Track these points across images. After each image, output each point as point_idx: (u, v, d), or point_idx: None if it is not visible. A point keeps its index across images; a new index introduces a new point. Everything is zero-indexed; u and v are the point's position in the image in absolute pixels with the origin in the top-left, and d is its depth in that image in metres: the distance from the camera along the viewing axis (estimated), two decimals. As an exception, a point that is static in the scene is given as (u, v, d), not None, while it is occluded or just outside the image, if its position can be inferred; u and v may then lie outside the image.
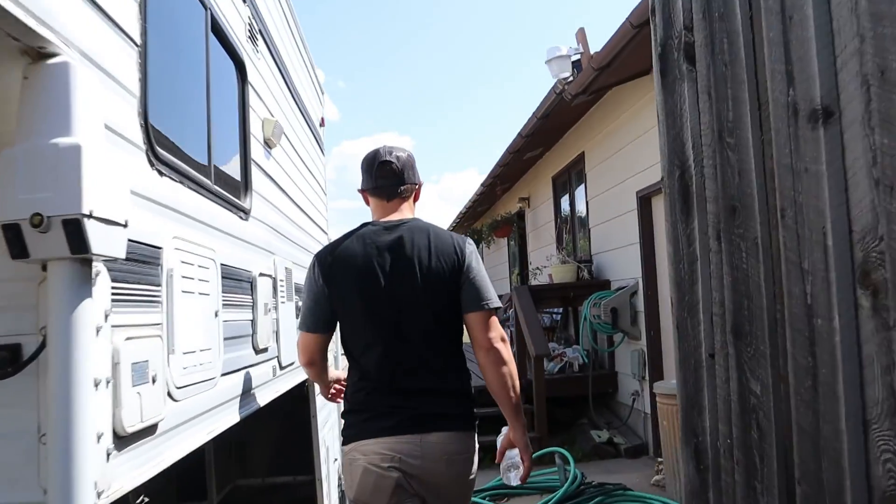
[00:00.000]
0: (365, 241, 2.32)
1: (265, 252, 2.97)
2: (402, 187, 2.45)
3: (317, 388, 3.24)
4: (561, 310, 9.54)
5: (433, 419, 2.25)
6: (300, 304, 3.13)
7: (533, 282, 8.84)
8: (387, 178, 2.43)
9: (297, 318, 3.08)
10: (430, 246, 2.31)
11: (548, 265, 9.06)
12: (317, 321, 2.36)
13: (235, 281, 2.45)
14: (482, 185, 11.82)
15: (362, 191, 2.51)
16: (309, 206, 4.62)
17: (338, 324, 2.39)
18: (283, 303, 3.14)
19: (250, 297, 2.66)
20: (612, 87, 6.67)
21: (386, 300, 2.27)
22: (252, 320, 2.66)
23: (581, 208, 9.17)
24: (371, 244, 2.31)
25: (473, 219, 17.15)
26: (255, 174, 2.87)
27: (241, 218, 2.62)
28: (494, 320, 2.37)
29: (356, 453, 2.25)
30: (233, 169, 2.64)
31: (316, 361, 2.46)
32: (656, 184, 6.37)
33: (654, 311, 6.75)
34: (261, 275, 2.81)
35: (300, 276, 3.44)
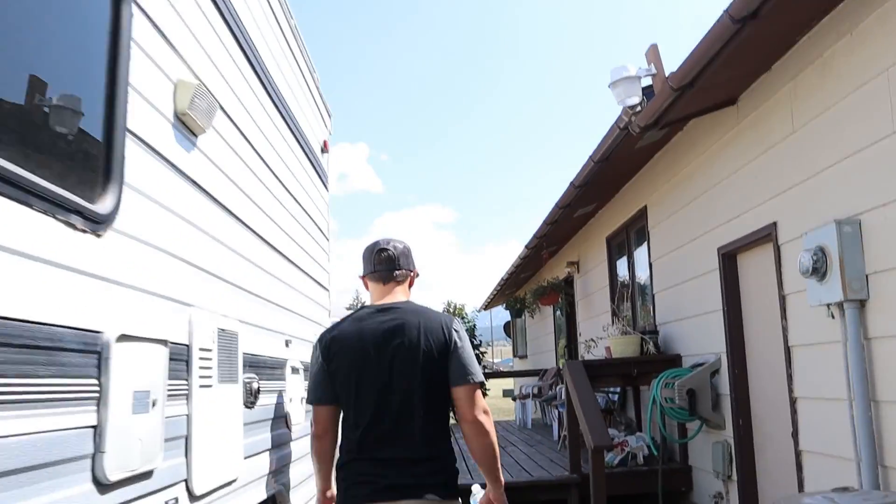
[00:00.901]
0: (361, 323, 2.56)
1: (158, 299, 1.84)
2: (397, 272, 2.71)
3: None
4: (618, 389, 8.24)
5: (406, 488, 2.40)
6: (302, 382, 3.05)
7: (586, 356, 7.63)
8: (383, 263, 2.70)
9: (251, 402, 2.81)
10: (419, 325, 2.50)
11: (604, 337, 7.82)
12: (324, 394, 2.56)
13: (39, 351, 1.33)
14: (526, 246, 10.69)
15: (362, 277, 2.77)
16: (294, 249, 3.55)
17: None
18: (206, 386, 2.00)
19: (92, 379, 1.55)
20: (689, 120, 5.57)
21: (376, 376, 2.46)
22: (93, 427, 1.53)
23: (642, 272, 7.96)
24: (366, 325, 2.54)
25: (515, 286, 15.96)
26: (139, 160, 1.79)
27: (79, 228, 1.55)
28: (478, 394, 2.53)
29: None
30: (69, 137, 1.56)
31: (329, 430, 2.61)
32: (746, 237, 5.20)
33: (743, 395, 5.46)
34: (129, 339, 1.68)
35: (267, 347, 2.50)
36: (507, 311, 19.02)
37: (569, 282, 11.19)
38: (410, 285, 2.80)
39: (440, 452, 2.54)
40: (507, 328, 19.83)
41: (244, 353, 2.48)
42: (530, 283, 14.63)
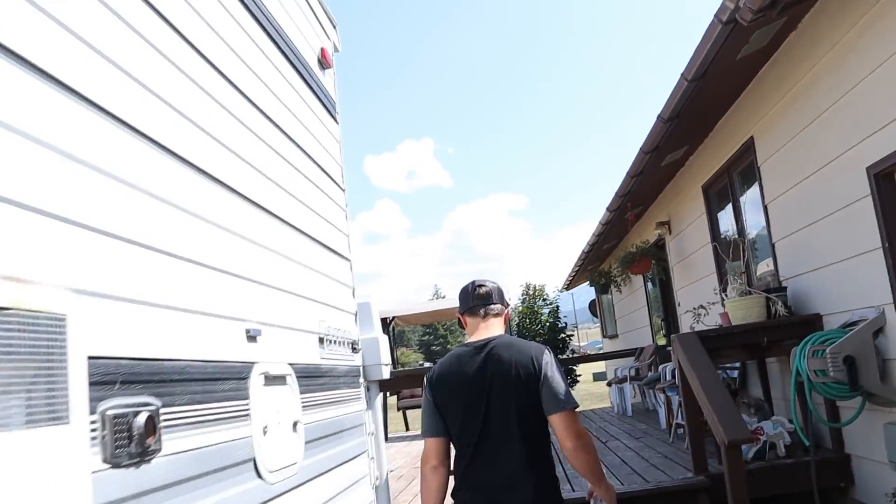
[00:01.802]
0: (460, 359, 2.78)
1: None
2: (493, 306, 2.91)
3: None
4: (737, 364, 6.84)
5: None
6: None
7: (696, 327, 6.30)
8: (481, 299, 2.91)
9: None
10: (511, 359, 2.70)
11: (715, 302, 6.45)
12: (432, 425, 2.78)
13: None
14: (608, 209, 9.33)
15: (461, 314, 2.97)
16: (276, 191, 2.42)
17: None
18: None
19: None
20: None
21: (475, 408, 2.68)
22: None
23: (754, 220, 6.54)
24: (464, 361, 2.76)
25: (599, 260, 14.54)
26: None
27: None
28: (573, 418, 2.64)
29: None
30: None
31: (442, 464, 2.78)
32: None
33: (928, 358, 4.06)
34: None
35: (190, 342, 1.97)
36: (592, 289, 17.61)
37: (660, 246, 9.77)
38: (506, 321, 2.98)
39: (540, 475, 2.67)
40: (593, 307, 18.38)
41: (93, 358, 1.33)
42: (615, 254, 13.21)
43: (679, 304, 9.50)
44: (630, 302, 13.29)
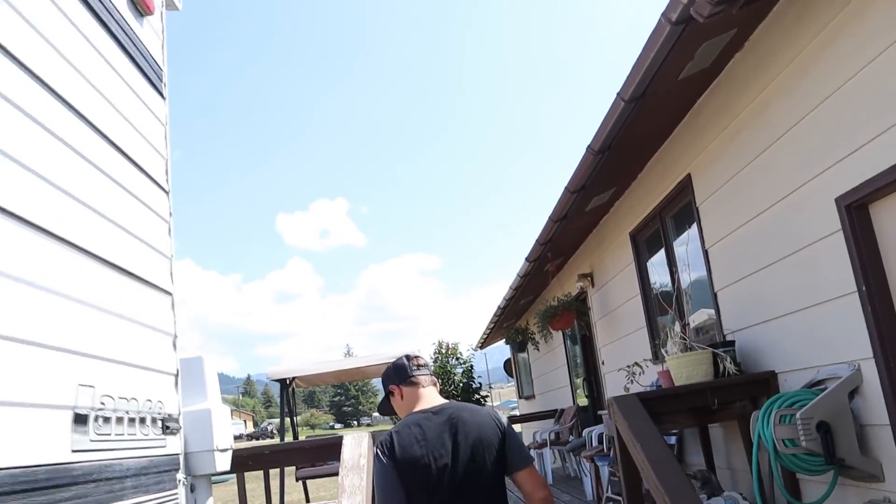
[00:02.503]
0: (420, 427, 2.67)
1: None
2: (431, 376, 2.94)
3: None
4: (676, 432, 6.11)
5: None
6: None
7: (632, 388, 5.55)
8: (421, 369, 2.92)
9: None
10: (474, 421, 2.69)
11: (648, 359, 5.73)
12: (396, 500, 2.58)
13: None
14: (527, 259, 8.62)
15: (398, 386, 2.90)
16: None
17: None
18: None
19: None
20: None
21: (448, 473, 2.59)
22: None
23: (690, 267, 5.90)
24: (427, 427, 2.67)
25: (515, 316, 13.83)
26: None
27: None
28: (536, 469, 2.75)
29: None
30: None
31: None
32: (885, 174, 3.22)
33: (919, 425, 3.38)
34: None
35: None
36: (507, 348, 16.88)
37: (582, 300, 9.10)
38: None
39: None
40: (508, 366, 17.61)
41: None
42: (533, 310, 12.52)
43: (603, 363, 8.80)
44: (548, 360, 12.57)
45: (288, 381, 11.73)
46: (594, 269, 8.69)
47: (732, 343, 4.83)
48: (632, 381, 5.55)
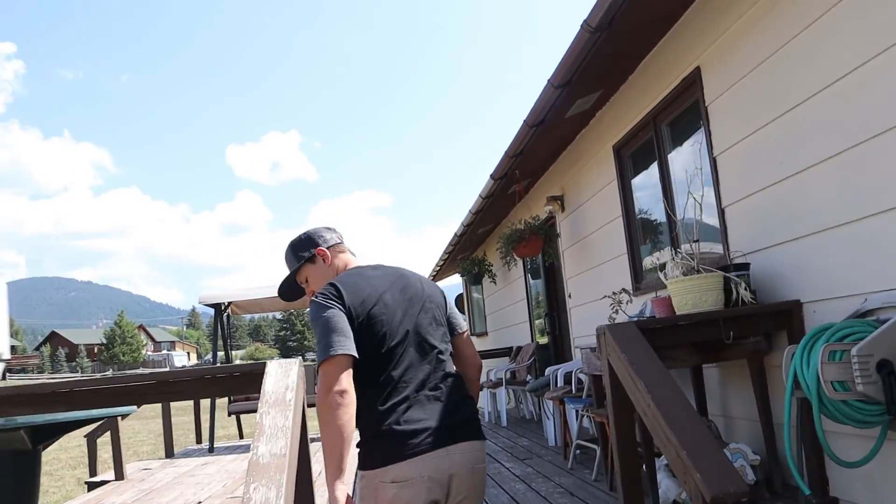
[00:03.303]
0: (366, 276, 2.39)
1: None
2: None
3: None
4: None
5: (466, 424, 2.30)
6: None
7: (617, 319, 4.71)
8: (340, 237, 2.64)
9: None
10: (417, 278, 2.49)
11: (628, 295, 4.87)
12: (347, 342, 2.19)
13: None
14: (492, 177, 7.64)
15: (328, 248, 2.56)
16: None
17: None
18: None
19: None
20: None
21: (403, 322, 2.33)
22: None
23: (688, 182, 5.02)
24: (373, 277, 2.40)
25: (472, 247, 12.92)
26: None
27: None
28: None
29: (394, 477, 2.15)
30: None
31: (352, 388, 2.16)
32: None
33: None
34: None
35: None
36: (458, 287, 16.06)
37: (550, 225, 8.21)
38: None
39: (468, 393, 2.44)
40: (459, 302, 16.82)
41: None
42: (492, 240, 11.63)
43: (570, 296, 7.98)
44: (505, 294, 11.74)
45: (223, 307, 10.70)
46: (565, 192, 7.79)
47: (746, 267, 3.98)
48: (617, 310, 4.69)
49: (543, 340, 9.70)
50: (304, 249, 2.52)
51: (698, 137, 4.76)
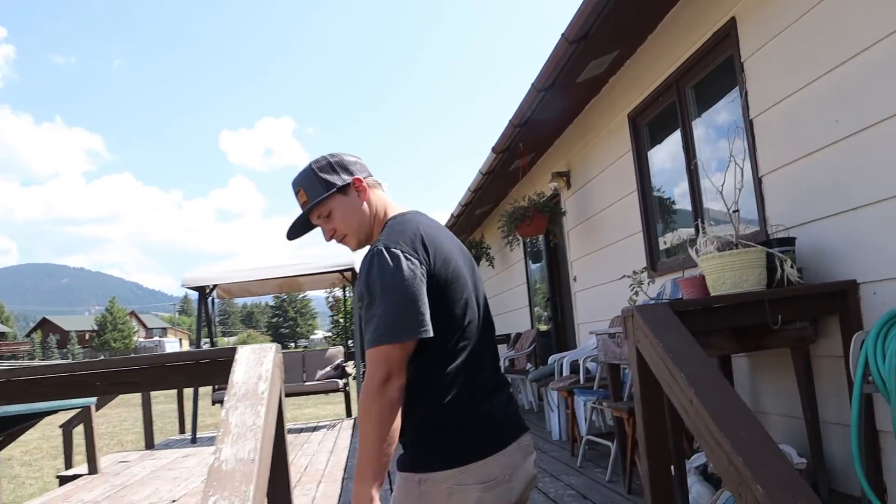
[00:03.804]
0: (436, 228, 1.89)
1: None
2: None
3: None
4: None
5: (518, 413, 1.94)
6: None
7: (637, 301, 4.20)
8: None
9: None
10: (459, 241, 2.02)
11: (644, 270, 4.36)
12: (422, 318, 1.68)
13: None
14: (494, 150, 7.11)
15: (363, 179, 1.95)
16: None
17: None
18: None
19: None
20: None
21: (478, 293, 1.92)
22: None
23: (717, 150, 4.50)
24: (440, 231, 1.89)
25: (469, 230, 12.40)
26: None
27: None
28: None
29: (478, 477, 1.71)
30: None
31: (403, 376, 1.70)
32: None
33: None
34: None
35: None
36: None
37: (554, 203, 7.68)
38: None
39: None
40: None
41: None
42: (490, 221, 11.10)
43: (575, 279, 7.47)
44: (504, 279, 11.24)
45: (207, 290, 10.17)
46: (572, 168, 7.26)
47: (791, 242, 3.46)
48: (637, 291, 4.18)
49: (544, 327, 9.21)
50: (335, 175, 1.92)
51: (732, 98, 4.24)
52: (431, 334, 1.67)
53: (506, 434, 1.81)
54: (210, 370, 2.77)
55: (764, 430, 2.33)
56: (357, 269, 1.93)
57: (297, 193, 1.95)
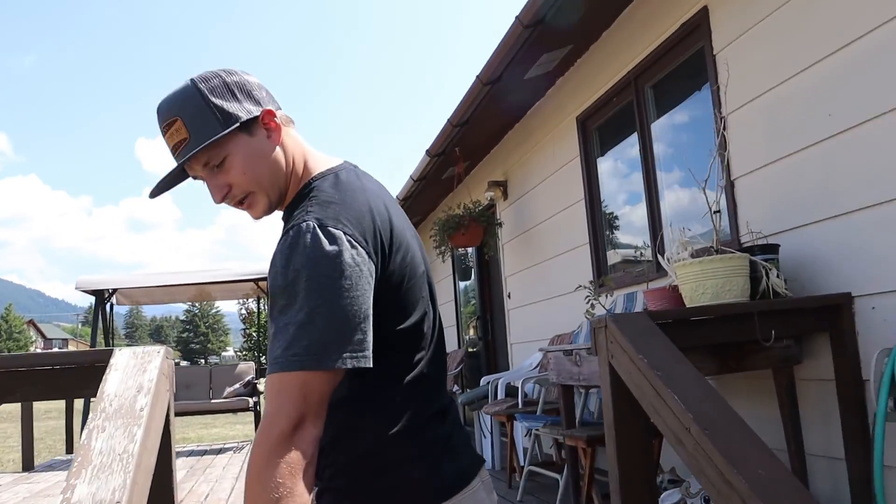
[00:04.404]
0: (389, 196, 1.37)
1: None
2: None
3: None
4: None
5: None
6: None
7: (595, 314, 3.74)
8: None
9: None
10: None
11: (596, 291, 3.93)
12: (370, 340, 1.16)
13: None
14: (428, 153, 6.60)
15: (270, 111, 1.33)
16: None
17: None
18: None
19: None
20: None
21: (430, 292, 1.38)
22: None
23: (678, 152, 4.13)
24: (394, 203, 1.36)
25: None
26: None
27: None
28: None
29: None
30: None
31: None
32: None
33: None
34: None
35: None
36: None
37: (490, 213, 7.23)
38: None
39: None
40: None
41: None
42: (419, 232, 10.57)
43: (510, 296, 7.02)
44: (429, 296, 10.72)
45: (106, 295, 9.28)
46: (509, 177, 6.83)
47: (775, 249, 3.07)
48: (593, 304, 3.72)
49: (472, 349, 8.72)
50: (235, 102, 1.30)
51: (699, 96, 3.87)
52: (370, 364, 1.15)
53: (466, 467, 1.34)
54: (78, 379, 2.13)
55: (785, 468, 1.88)
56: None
57: (167, 125, 1.28)
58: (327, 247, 1.12)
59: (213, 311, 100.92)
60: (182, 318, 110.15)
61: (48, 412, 19.04)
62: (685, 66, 4.04)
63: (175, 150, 1.28)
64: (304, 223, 1.15)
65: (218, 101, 1.28)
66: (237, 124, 1.27)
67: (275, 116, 1.33)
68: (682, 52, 4.01)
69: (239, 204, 1.33)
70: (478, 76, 4.87)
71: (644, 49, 4.29)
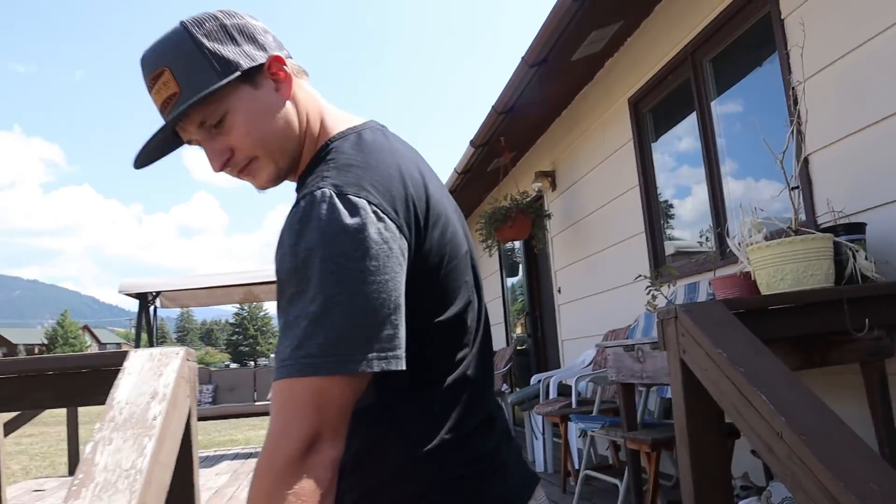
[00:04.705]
0: (424, 162, 1.14)
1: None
2: None
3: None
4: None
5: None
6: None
7: (657, 304, 3.49)
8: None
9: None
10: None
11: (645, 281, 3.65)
12: (402, 337, 0.94)
13: None
14: (472, 144, 6.35)
15: (283, 59, 1.10)
16: None
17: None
18: None
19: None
20: None
21: (475, 277, 1.14)
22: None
23: (743, 130, 3.81)
24: (430, 170, 1.14)
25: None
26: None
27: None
28: None
29: None
30: None
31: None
32: None
33: None
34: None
35: None
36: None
37: (538, 205, 6.95)
38: None
39: None
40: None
41: None
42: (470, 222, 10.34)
43: (559, 291, 6.73)
44: (475, 294, 10.47)
45: (149, 298, 9.24)
46: (557, 167, 6.55)
47: (861, 228, 2.75)
48: (654, 295, 3.43)
49: (520, 346, 8.45)
50: (235, 46, 1.06)
51: (766, 66, 3.56)
52: (403, 365, 0.92)
53: (519, 488, 1.13)
54: (89, 384, 1.94)
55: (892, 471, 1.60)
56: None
57: (153, 77, 1.05)
58: (347, 219, 0.90)
59: (262, 313, 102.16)
60: (231, 321, 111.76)
61: (100, 415, 19.31)
62: (748, 34, 3.72)
63: (164, 108, 1.05)
64: (319, 191, 0.93)
65: (214, 46, 1.04)
66: (238, 73, 1.04)
67: (284, 64, 1.09)
68: (746, 19, 3.69)
69: (240, 172, 1.09)
70: (523, 58, 4.60)
71: (701, 21, 3.98)
